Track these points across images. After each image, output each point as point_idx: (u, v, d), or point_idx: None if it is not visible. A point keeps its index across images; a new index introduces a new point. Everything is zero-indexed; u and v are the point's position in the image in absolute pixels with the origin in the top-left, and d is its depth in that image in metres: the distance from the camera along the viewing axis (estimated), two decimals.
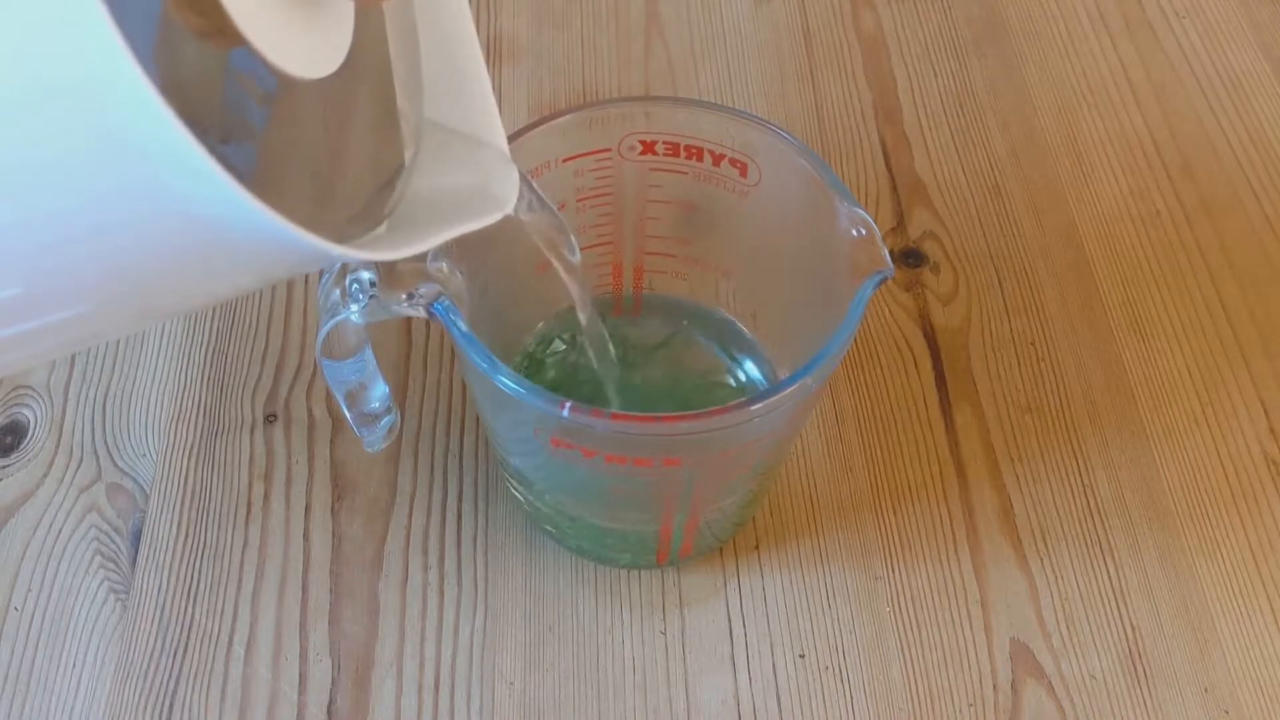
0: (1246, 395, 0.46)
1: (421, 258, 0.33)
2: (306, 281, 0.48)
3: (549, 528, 0.41)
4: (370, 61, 0.28)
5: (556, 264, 0.34)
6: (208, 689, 0.39)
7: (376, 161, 0.29)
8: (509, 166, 0.31)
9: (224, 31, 0.21)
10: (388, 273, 0.33)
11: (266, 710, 0.39)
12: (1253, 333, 0.48)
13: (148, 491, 0.43)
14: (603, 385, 0.40)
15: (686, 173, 0.39)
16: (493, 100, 0.31)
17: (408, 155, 0.30)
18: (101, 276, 0.22)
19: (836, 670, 0.39)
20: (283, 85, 0.24)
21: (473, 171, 0.30)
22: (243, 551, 0.42)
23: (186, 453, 0.44)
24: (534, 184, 0.31)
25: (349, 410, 0.39)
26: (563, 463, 0.36)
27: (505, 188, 0.30)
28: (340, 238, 0.24)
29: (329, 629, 0.40)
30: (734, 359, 0.43)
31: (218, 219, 0.20)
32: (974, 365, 0.46)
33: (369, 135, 0.29)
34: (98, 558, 0.41)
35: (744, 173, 0.38)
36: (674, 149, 0.38)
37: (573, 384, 0.42)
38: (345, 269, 0.33)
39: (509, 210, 0.30)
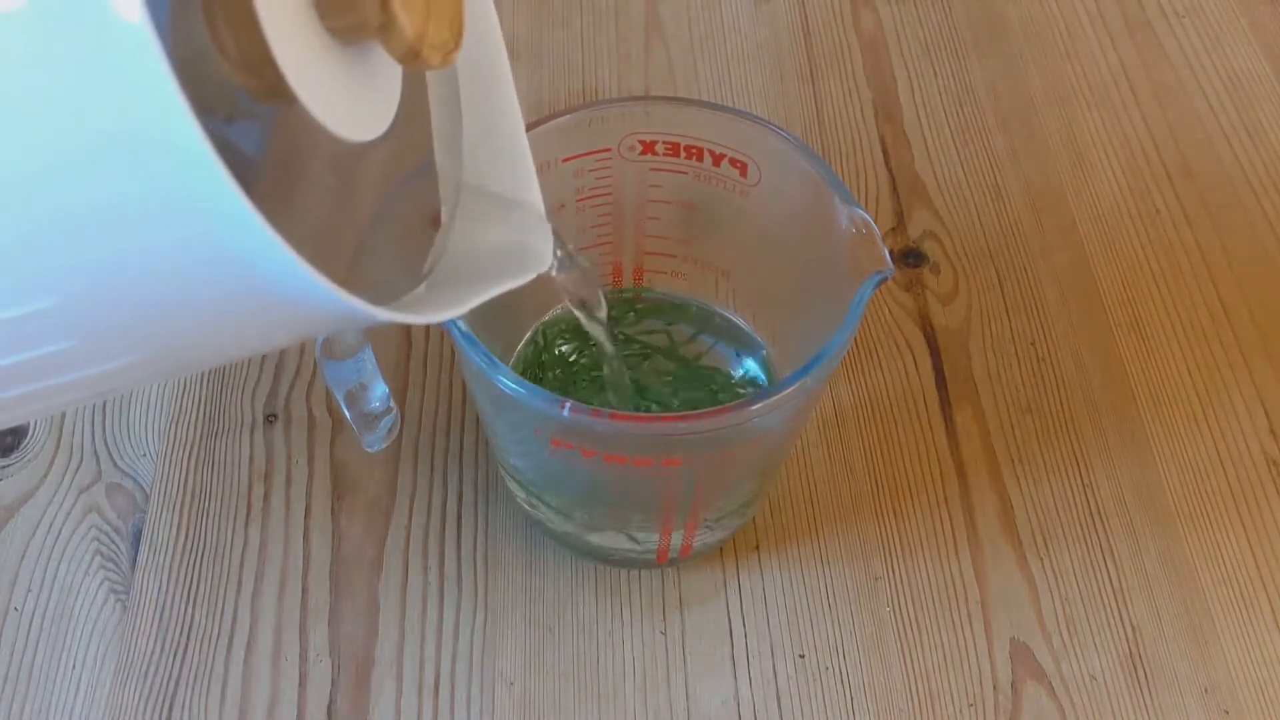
0: (1246, 395, 0.46)
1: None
2: None
3: (549, 527, 0.41)
4: (414, 122, 0.28)
5: (581, 315, 0.34)
6: (208, 689, 0.39)
7: (417, 221, 0.29)
8: (545, 225, 0.31)
9: (279, 93, 0.22)
10: None
11: (266, 710, 0.39)
12: (1253, 333, 0.48)
13: (148, 491, 0.43)
14: (605, 387, 0.40)
15: (686, 173, 0.39)
16: (530, 160, 0.32)
17: (445, 214, 0.30)
18: (150, 332, 0.22)
19: (836, 671, 0.39)
20: (333, 145, 0.24)
21: (509, 230, 0.31)
22: (243, 552, 0.42)
23: (186, 453, 0.44)
24: (567, 244, 0.32)
25: (349, 410, 0.39)
26: (563, 463, 0.36)
27: (541, 246, 0.30)
28: (381, 297, 0.24)
29: (329, 629, 0.40)
30: (734, 358, 0.43)
31: (269, 282, 0.20)
32: (974, 365, 0.46)
33: (410, 194, 0.29)
34: (98, 558, 0.41)
35: (744, 173, 0.38)
36: (674, 149, 0.38)
37: (573, 383, 0.42)
38: None
39: (544, 269, 0.30)
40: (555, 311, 0.43)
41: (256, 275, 0.20)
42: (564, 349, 0.42)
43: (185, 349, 0.24)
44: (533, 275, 0.30)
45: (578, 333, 0.42)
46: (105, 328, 0.21)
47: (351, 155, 0.25)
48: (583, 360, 0.42)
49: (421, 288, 0.29)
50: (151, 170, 0.18)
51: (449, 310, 0.27)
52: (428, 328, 0.47)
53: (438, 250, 0.30)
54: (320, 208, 0.25)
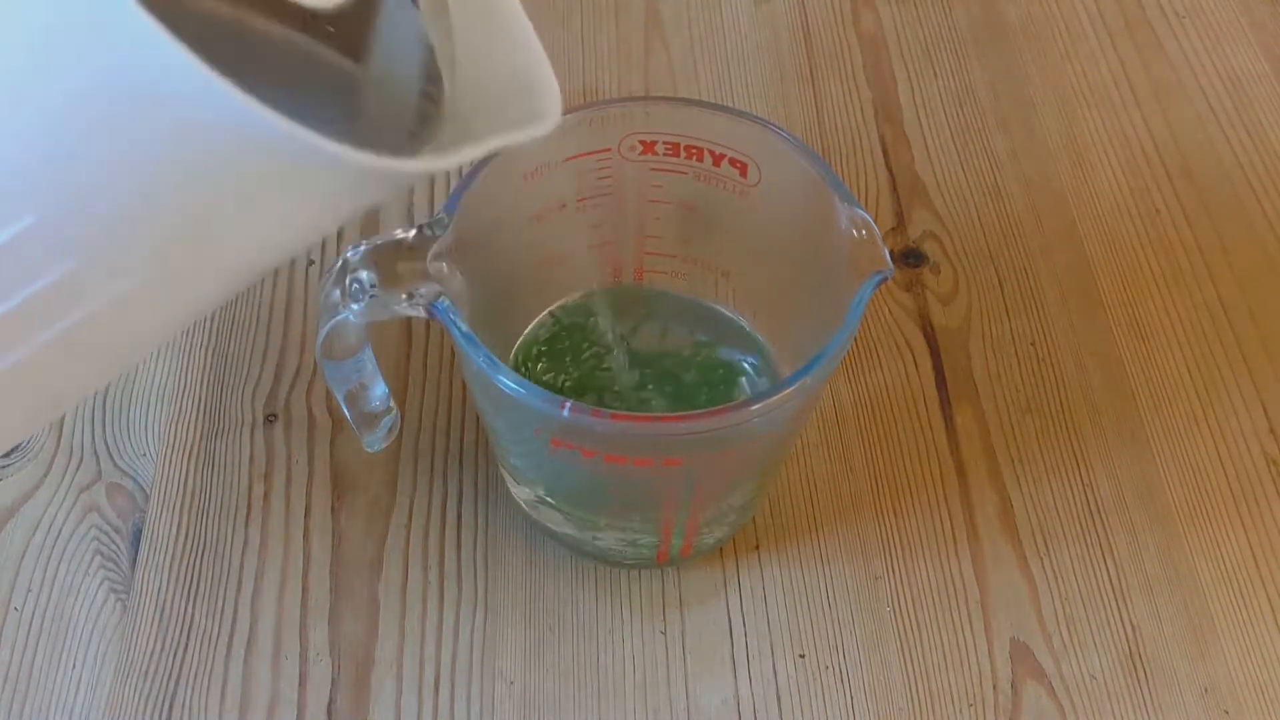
0: (1246, 395, 0.46)
1: (421, 256, 0.33)
2: (307, 280, 0.48)
3: (549, 527, 0.41)
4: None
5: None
6: (208, 689, 0.39)
7: (412, 90, 0.29)
8: (551, 86, 0.30)
9: None
10: (388, 272, 0.33)
11: (266, 710, 0.39)
12: (1253, 333, 0.48)
13: (148, 491, 0.43)
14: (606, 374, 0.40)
15: (687, 173, 0.39)
16: (526, 23, 0.31)
17: (446, 83, 0.30)
18: (142, 230, 0.22)
19: (836, 670, 0.39)
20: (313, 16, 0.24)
21: (512, 95, 0.30)
22: (243, 552, 0.42)
23: (186, 453, 0.44)
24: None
25: (349, 410, 0.39)
26: (563, 463, 0.36)
27: (550, 105, 0.29)
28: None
29: (329, 629, 0.40)
30: (734, 358, 0.43)
31: (268, 143, 0.20)
32: (974, 365, 0.46)
33: (402, 64, 0.28)
34: (98, 558, 0.41)
35: (744, 173, 0.38)
36: (674, 149, 0.38)
37: (568, 380, 0.42)
38: (346, 268, 0.33)
39: (552, 126, 0.29)
40: (528, 332, 0.43)
41: (197, 118, 0.20)
42: (546, 377, 0.42)
43: (188, 248, 0.23)
44: (543, 132, 0.28)
45: (554, 354, 0.42)
46: (96, 233, 0.21)
47: (335, 27, 0.25)
48: (566, 384, 0.42)
49: (426, 151, 0.28)
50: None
51: (454, 157, 0.26)
52: (429, 328, 0.47)
53: (440, 120, 0.29)
54: (312, 78, 0.25)
